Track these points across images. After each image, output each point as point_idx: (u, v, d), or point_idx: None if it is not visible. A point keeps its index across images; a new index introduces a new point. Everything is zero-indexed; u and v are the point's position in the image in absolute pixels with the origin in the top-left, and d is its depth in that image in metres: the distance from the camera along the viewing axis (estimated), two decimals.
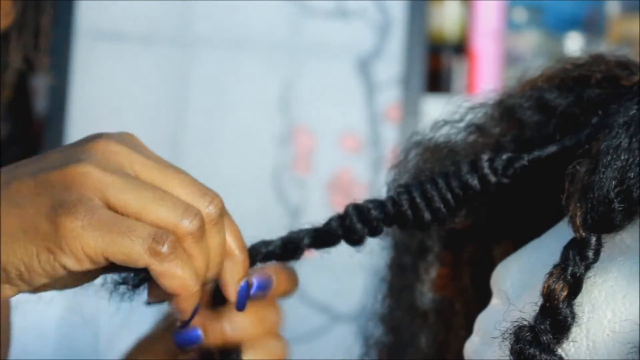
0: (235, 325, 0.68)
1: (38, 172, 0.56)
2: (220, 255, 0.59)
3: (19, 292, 0.57)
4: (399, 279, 0.77)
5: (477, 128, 0.70)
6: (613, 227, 0.58)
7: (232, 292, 0.61)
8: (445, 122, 0.71)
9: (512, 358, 0.58)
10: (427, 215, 0.63)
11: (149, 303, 0.60)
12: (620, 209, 0.57)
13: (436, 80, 2.36)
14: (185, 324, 0.60)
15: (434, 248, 0.75)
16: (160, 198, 0.56)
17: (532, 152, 0.63)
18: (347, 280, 2.11)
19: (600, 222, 0.58)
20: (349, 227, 0.64)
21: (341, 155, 2.19)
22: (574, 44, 2.41)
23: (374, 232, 0.65)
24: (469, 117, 0.71)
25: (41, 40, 0.98)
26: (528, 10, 2.48)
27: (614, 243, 0.60)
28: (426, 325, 0.75)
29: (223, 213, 0.60)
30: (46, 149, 2.15)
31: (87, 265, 0.55)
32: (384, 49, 2.22)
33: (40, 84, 2.34)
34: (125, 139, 0.59)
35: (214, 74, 2.19)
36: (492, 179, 0.63)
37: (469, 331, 0.67)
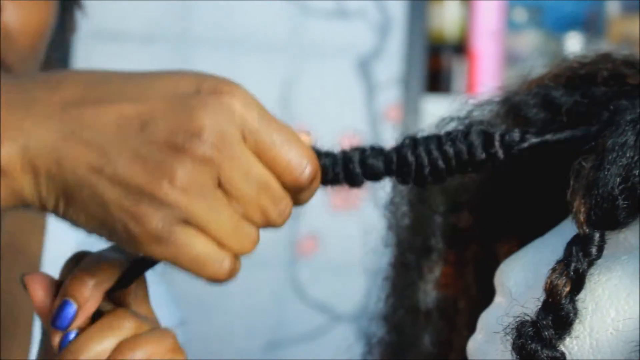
0: None
1: (130, 170, 0.54)
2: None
3: None
4: (403, 277, 0.77)
5: (483, 125, 0.70)
6: (617, 224, 0.58)
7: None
8: (452, 119, 0.71)
9: (514, 353, 0.58)
10: (427, 173, 0.62)
11: None
12: (624, 206, 0.58)
13: (436, 80, 2.36)
14: None
15: (437, 246, 0.75)
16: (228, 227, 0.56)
17: (542, 135, 0.62)
18: (347, 280, 2.11)
19: (604, 219, 0.58)
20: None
21: None
22: (574, 44, 2.41)
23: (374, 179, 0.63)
24: (475, 114, 0.71)
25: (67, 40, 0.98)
26: (528, 10, 2.48)
27: (618, 242, 0.60)
28: (429, 324, 0.76)
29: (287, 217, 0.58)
30: None
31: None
32: (384, 49, 2.22)
33: None
34: (255, 106, 0.58)
35: (214, 74, 2.19)
36: (500, 154, 0.62)
37: (472, 330, 0.67)
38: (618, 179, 0.57)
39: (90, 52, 2.17)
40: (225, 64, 2.19)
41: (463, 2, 2.39)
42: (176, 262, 0.55)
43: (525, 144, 0.61)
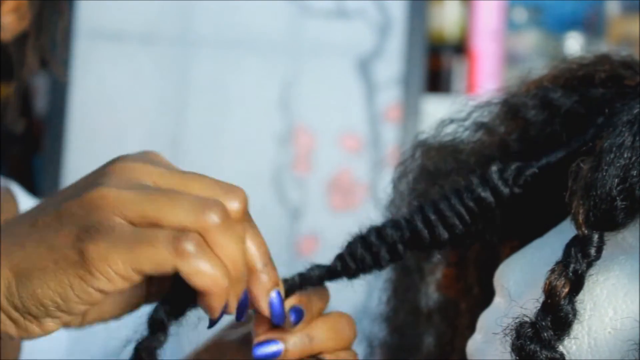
0: (316, 339, 0.64)
1: (60, 203, 0.57)
2: (242, 255, 0.58)
3: (63, 324, 0.58)
4: (404, 279, 0.77)
5: (483, 126, 0.70)
6: (615, 224, 0.58)
7: (263, 305, 0.60)
8: (451, 121, 0.72)
9: (513, 354, 0.58)
10: (444, 234, 0.63)
11: (210, 322, 0.61)
12: (622, 206, 0.58)
13: (436, 80, 2.36)
14: (214, 322, 0.60)
15: None
16: (176, 199, 0.56)
17: (541, 160, 0.63)
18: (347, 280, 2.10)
19: (603, 220, 0.58)
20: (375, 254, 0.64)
21: (341, 155, 2.19)
22: (574, 44, 2.41)
23: (396, 256, 0.65)
24: (475, 115, 0.71)
25: (59, 42, 0.98)
26: (528, 10, 2.48)
27: (616, 241, 0.60)
28: (431, 325, 0.76)
29: (247, 210, 0.59)
30: (46, 149, 2.15)
31: (120, 284, 0.56)
32: (384, 49, 2.22)
33: (40, 84, 2.33)
34: (143, 156, 0.60)
35: (214, 74, 2.19)
36: (504, 190, 0.63)
37: (473, 331, 0.67)
38: (616, 180, 0.57)
39: (90, 52, 2.17)
40: (225, 64, 2.19)
41: (463, 2, 2.39)
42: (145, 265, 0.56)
43: (528, 173, 0.63)
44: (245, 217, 0.59)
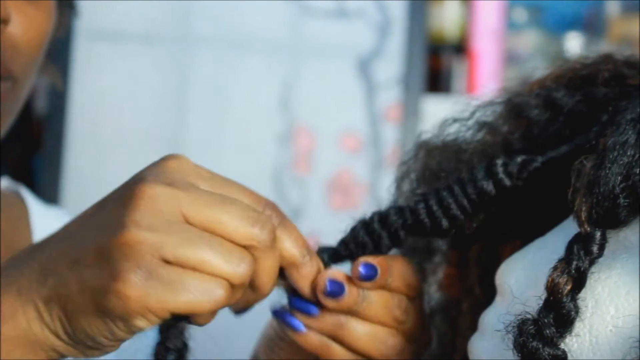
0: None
1: (98, 240, 0.58)
2: (273, 275, 0.61)
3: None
4: None
5: (486, 126, 0.71)
6: (618, 222, 0.58)
7: (308, 293, 0.64)
8: (454, 120, 0.72)
9: (515, 352, 0.58)
10: (444, 223, 0.64)
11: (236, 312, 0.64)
12: (625, 204, 0.58)
13: (436, 80, 2.36)
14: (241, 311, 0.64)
15: (441, 248, 0.75)
16: (211, 248, 0.58)
17: (546, 154, 0.64)
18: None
19: (605, 217, 0.58)
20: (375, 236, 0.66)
21: (341, 155, 2.19)
22: (574, 44, 2.41)
23: (396, 242, 0.66)
24: (478, 115, 0.72)
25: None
26: (528, 10, 2.49)
27: (618, 240, 0.60)
28: (433, 325, 0.76)
29: (274, 233, 0.60)
30: (46, 148, 2.15)
31: (155, 323, 0.58)
32: (384, 49, 2.22)
33: (40, 84, 2.33)
34: (168, 176, 0.61)
35: (214, 74, 2.19)
36: (507, 182, 0.64)
37: (475, 331, 0.67)
38: (619, 178, 0.57)
39: (90, 52, 2.17)
40: (225, 64, 2.19)
41: (463, 2, 2.39)
42: (172, 306, 0.57)
43: (531, 167, 0.63)
44: (272, 242, 0.60)
